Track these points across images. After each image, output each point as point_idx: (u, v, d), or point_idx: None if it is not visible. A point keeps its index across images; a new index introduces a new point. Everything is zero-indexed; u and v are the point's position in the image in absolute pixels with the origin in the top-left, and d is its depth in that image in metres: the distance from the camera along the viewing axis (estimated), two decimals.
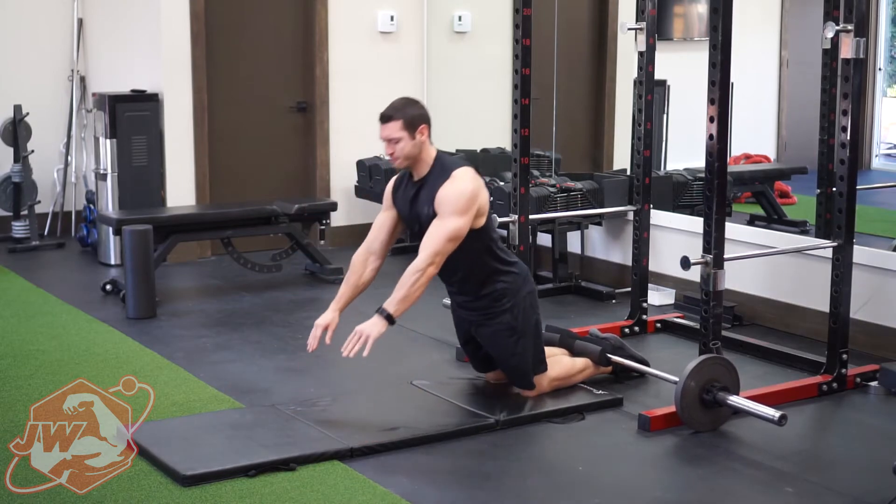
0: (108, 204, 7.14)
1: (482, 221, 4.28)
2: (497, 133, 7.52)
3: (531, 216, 5.31)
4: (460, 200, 4.18)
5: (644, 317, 5.54)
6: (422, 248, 4.21)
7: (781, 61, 8.67)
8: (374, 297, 6.34)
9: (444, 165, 4.30)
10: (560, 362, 4.59)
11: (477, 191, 4.24)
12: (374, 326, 4.12)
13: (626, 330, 5.48)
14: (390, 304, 4.16)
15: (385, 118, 4.32)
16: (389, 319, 4.14)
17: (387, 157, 7.30)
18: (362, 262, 4.47)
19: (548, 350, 4.75)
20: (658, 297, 6.01)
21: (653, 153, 5.53)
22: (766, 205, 7.38)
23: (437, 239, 4.17)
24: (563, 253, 6.47)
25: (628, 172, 6.10)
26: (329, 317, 4.32)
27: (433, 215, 4.23)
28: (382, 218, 4.53)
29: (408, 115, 4.29)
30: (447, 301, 5.52)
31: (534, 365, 4.45)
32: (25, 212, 7.57)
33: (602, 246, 6.68)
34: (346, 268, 6.69)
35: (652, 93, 5.41)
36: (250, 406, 4.40)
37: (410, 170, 4.37)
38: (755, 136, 8.66)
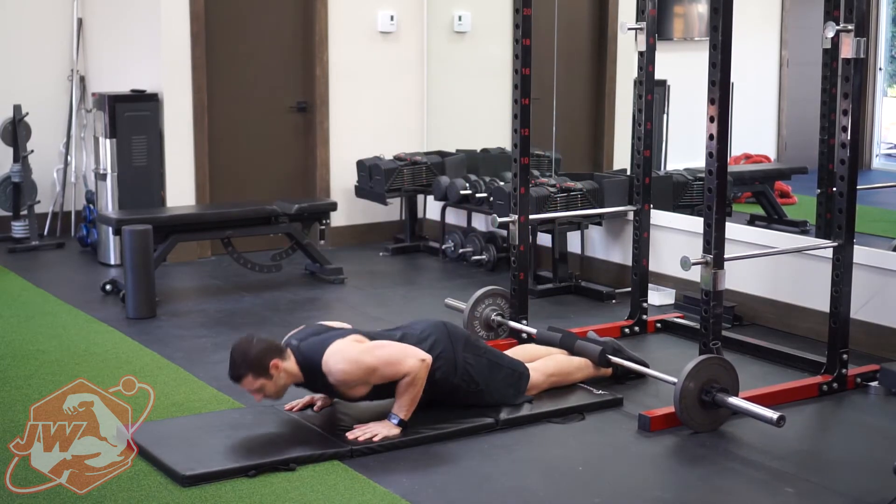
0: (108, 204, 7.14)
1: (375, 364, 4.06)
2: (497, 133, 7.52)
3: (531, 216, 5.31)
4: (356, 371, 4.01)
5: (644, 317, 5.54)
6: (396, 376, 4.04)
7: (781, 61, 8.67)
8: (377, 297, 6.36)
9: (310, 364, 4.05)
10: (555, 360, 4.60)
11: (354, 354, 4.03)
12: (384, 427, 4.03)
13: (626, 330, 5.47)
14: (401, 411, 4.06)
15: (236, 379, 4.03)
16: (402, 424, 4.05)
17: (388, 159, 7.35)
18: None
19: (544, 349, 4.75)
20: (658, 297, 6.01)
21: (653, 153, 5.53)
22: (766, 205, 7.37)
23: (393, 365, 4.03)
24: (563, 253, 6.47)
25: (628, 172, 6.10)
26: (322, 401, 4.30)
27: (354, 397, 4.13)
28: None
29: (252, 363, 3.97)
30: (449, 301, 5.53)
31: (516, 385, 4.39)
32: (25, 212, 7.57)
33: (602, 246, 6.68)
34: (345, 268, 6.76)
35: (652, 93, 5.40)
36: (250, 406, 4.40)
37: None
38: (755, 136, 8.65)
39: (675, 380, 4.20)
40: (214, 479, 3.66)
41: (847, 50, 4.36)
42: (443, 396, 4.25)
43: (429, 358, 4.10)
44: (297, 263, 6.90)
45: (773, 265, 5.57)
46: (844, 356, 4.62)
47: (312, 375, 4.07)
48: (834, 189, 4.61)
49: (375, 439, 3.98)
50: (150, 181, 7.18)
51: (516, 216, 5.14)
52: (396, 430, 4.04)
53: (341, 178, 7.72)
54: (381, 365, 4.04)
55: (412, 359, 4.06)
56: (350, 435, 4.00)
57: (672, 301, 6.05)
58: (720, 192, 4.26)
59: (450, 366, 4.22)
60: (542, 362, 4.57)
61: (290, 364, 4.05)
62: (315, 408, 4.28)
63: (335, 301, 6.32)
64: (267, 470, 3.74)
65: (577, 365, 4.64)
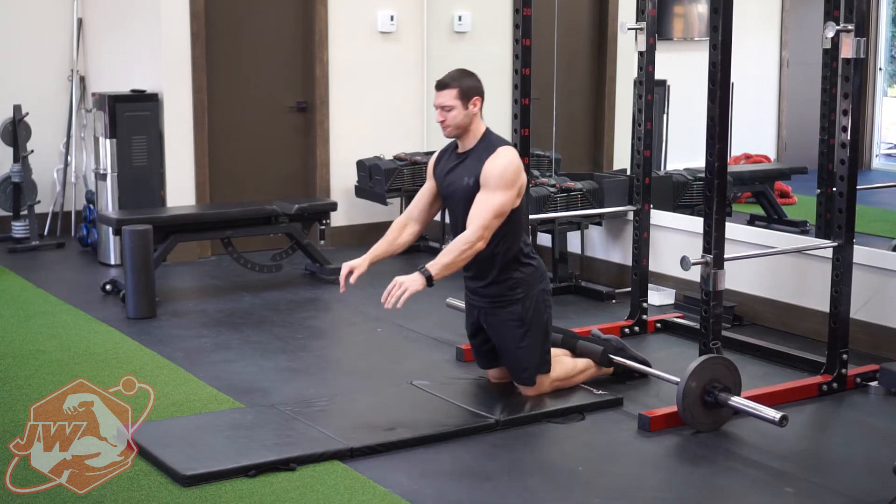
0: (108, 204, 7.14)
1: (518, 202, 4.36)
2: (497, 133, 7.51)
3: (531, 216, 5.31)
4: (506, 174, 4.27)
5: (644, 317, 5.54)
6: (471, 221, 4.26)
7: (781, 61, 8.67)
8: (377, 297, 6.34)
9: (491, 141, 4.38)
10: (561, 363, 4.60)
11: (520, 168, 4.35)
12: (413, 281, 4.14)
13: (626, 330, 5.48)
14: (433, 266, 4.18)
15: (441, 85, 4.38)
16: (429, 280, 4.16)
17: (388, 159, 7.34)
18: (401, 225, 4.58)
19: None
20: (658, 297, 6.01)
21: (653, 153, 5.53)
22: (766, 205, 7.38)
23: (485, 213, 4.22)
24: (563, 253, 6.47)
25: (628, 172, 6.10)
26: (358, 261, 4.38)
27: (473, 186, 4.30)
28: (424, 188, 4.63)
29: (464, 85, 4.36)
30: (450, 300, 5.54)
31: (539, 363, 4.45)
32: (25, 212, 7.57)
33: (602, 246, 6.68)
34: None
35: (652, 93, 5.40)
36: (250, 406, 4.40)
37: (458, 140, 4.44)
38: (755, 136, 8.66)
39: (678, 379, 4.20)
40: (214, 479, 3.66)
41: (847, 50, 4.36)
42: (501, 298, 4.39)
43: (484, 243, 4.23)
44: (297, 263, 6.90)
45: (773, 265, 5.57)
46: (844, 356, 4.62)
47: (480, 149, 4.33)
48: (834, 189, 4.61)
49: (403, 296, 4.09)
50: (150, 181, 7.18)
51: None
52: (420, 284, 4.12)
53: (341, 178, 7.72)
54: (506, 201, 4.23)
55: (483, 239, 4.21)
56: (383, 298, 4.13)
57: (672, 301, 6.05)
58: (720, 192, 4.26)
59: (531, 282, 4.39)
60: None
61: (480, 121, 4.38)
62: (352, 278, 4.33)
63: (335, 301, 6.32)
64: (267, 470, 3.74)
65: (580, 368, 4.65)
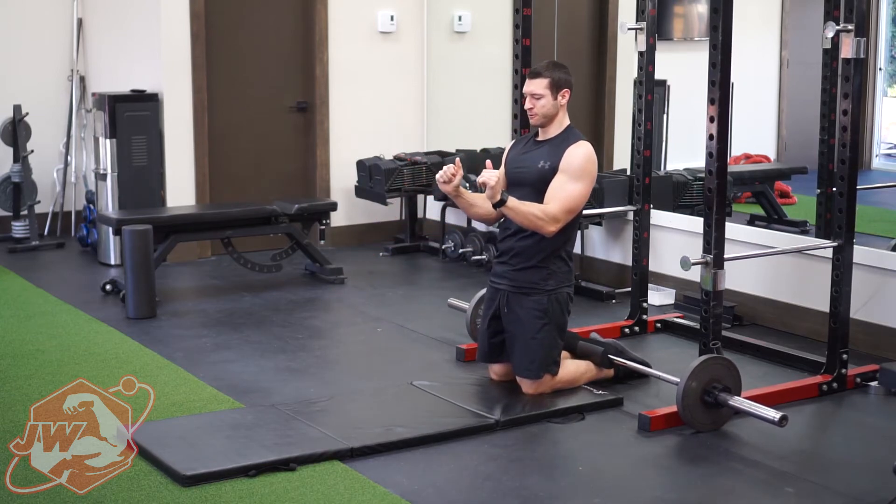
0: (108, 204, 7.14)
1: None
2: (497, 133, 7.52)
3: None
4: (588, 165, 4.41)
5: (644, 317, 5.54)
6: (551, 199, 4.38)
7: (781, 61, 8.67)
8: (377, 297, 6.36)
9: (573, 134, 4.50)
10: (566, 367, 4.59)
11: (597, 165, 4.49)
12: (499, 189, 4.27)
13: (626, 330, 5.47)
14: (512, 200, 4.32)
15: (534, 74, 4.49)
16: (502, 202, 4.30)
17: (388, 159, 7.34)
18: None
19: None
20: (658, 297, 6.01)
21: (653, 153, 5.53)
22: (766, 205, 7.37)
23: (565, 199, 4.36)
24: None
25: (628, 172, 6.10)
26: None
27: (549, 171, 4.41)
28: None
29: (555, 76, 4.46)
30: (451, 301, 5.54)
31: (548, 361, 4.46)
32: (25, 212, 7.57)
33: (602, 246, 6.68)
34: (345, 268, 6.76)
35: (652, 93, 5.40)
36: (250, 406, 4.40)
37: (540, 128, 4.54)
38: (755, 136, 8.66)
39: (678, 379, 4.20)
40: (214, 479, 3.66)
41: (847, 50, 4.36)
42: (531, 285, 4.45)
43: (556, 228, 4.36)
44: (297, 263, 6.90)
45: (773, 265, 5.57)
46: (844, 356, 4.62)
47: (561, 139, 4.46)
48: (834, 189, 4.61)
49: (493, 181, 4.21)
50: (150, 181, 7.17)
51: None
52: (496, 197, 4.25)
53: (341, 178, 7.72)
54: (585, 192, 4.39)
55: (558, 224, 4.35)
56: (482, 176, 4.25)
57: (672, 301, 6.05)
58: (720, 192, 4.26)
59: (562, 279, 4.47)
60: None
61: (566, 114, 4.50)
62: (485, 180, 4.30)
63: (335, 301, 6.32)
64: (267, 470, 3.74)
65: (582, 371, 4.65)
